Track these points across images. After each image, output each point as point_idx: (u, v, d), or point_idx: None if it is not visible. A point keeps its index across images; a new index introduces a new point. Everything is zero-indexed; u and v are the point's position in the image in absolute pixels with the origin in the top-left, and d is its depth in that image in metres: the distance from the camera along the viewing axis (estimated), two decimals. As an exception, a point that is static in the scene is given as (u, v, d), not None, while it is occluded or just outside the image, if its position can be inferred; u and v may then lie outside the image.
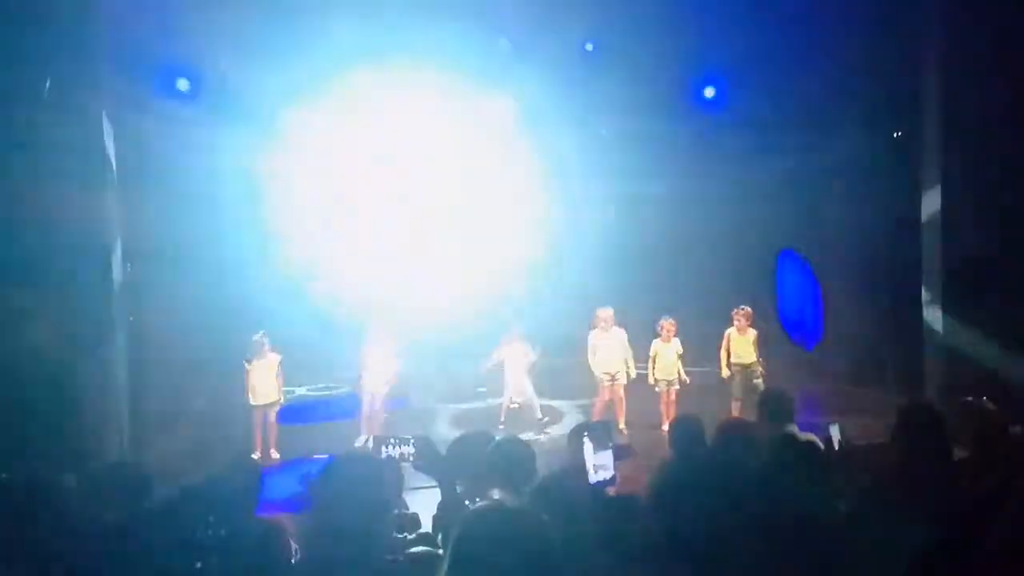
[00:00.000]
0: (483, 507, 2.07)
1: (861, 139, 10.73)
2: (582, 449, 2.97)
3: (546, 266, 13.16)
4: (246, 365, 8.67)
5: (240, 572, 2.62)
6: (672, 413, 8.82)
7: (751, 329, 9.07)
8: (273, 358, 8.72)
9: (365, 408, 9.17)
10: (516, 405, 9.64)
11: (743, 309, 9.14)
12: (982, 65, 8.50)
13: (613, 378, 9.17)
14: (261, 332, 8.75)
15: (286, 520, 3.29)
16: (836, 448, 3.59)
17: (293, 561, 2.56)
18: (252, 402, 8.66)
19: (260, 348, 8.63)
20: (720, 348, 9.13)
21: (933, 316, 9.40)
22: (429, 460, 2.97)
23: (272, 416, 8.75)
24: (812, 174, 11.47)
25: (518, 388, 9.52)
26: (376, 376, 9.14)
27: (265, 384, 8.63)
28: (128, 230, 8.25)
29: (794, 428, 4.01)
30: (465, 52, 11.55)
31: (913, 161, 9.61)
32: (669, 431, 4.14)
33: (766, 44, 11.09)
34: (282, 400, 8.87)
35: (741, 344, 9.02)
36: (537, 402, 9.61)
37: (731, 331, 9.09)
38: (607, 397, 9.23)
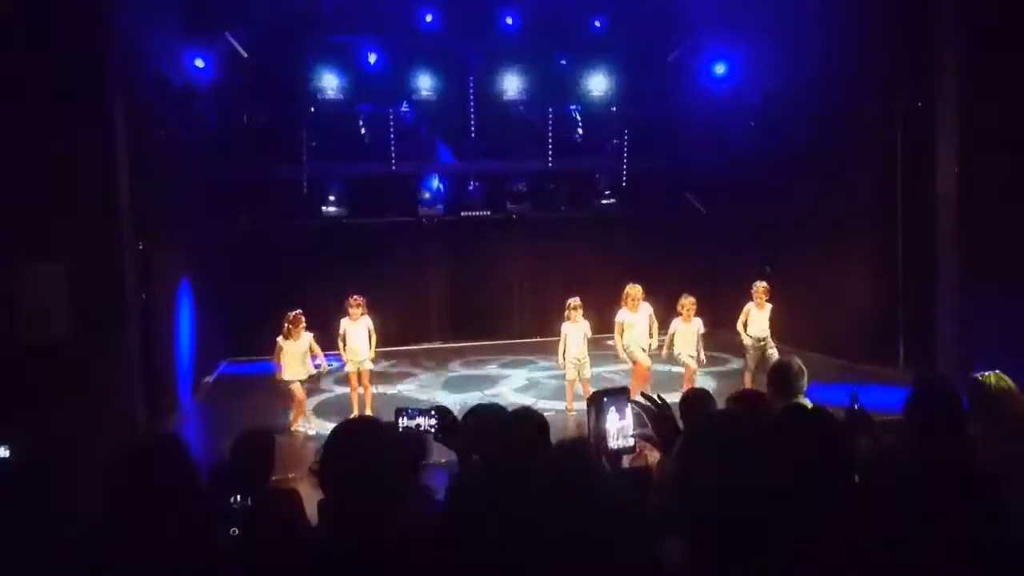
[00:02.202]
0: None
1: (878, 110, 10.60)
2: (604, 415, 2.92)
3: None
4: (280, 342, 8.70)
5: (260, 540, 2.65)
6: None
7: (768, 304, 9.20)
8: (306, 336, 8.78)
9: (353, 382, 9.15)
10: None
11: (761, 284, 9.28)
12: (1000, 37, 8.40)
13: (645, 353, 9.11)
14: (298, 311, 8.76)
15: (303, 487, 3.31)
16: (852, 418, 3.58)
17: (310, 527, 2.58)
18: (285, 377, 8.73)
19: (297, 326, 8.67)
20: (738, 321, 9.32)
21: (947, 291, 9.38)
22: (450, 431, 2.94)
23: (302, 391, 8.83)
24: (828, 147, 11.35)
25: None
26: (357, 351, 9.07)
27: (298, 362, 8.72)
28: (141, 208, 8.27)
29: (805, 400, 4.01)
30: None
31: (931, 133, 9.52)
32: (679, 403, 4.14)
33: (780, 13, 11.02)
34: (307, 376, 8.89)
35: (759, 318, 9.15)
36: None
37: (751, 305, 9.26)
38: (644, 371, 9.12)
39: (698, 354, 9.19)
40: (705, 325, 9.37)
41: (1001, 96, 8.51)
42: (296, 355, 8.70)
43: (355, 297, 9.11)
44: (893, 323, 10.64)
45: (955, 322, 9.25)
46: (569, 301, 9.23)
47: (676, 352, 9.22)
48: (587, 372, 9.17)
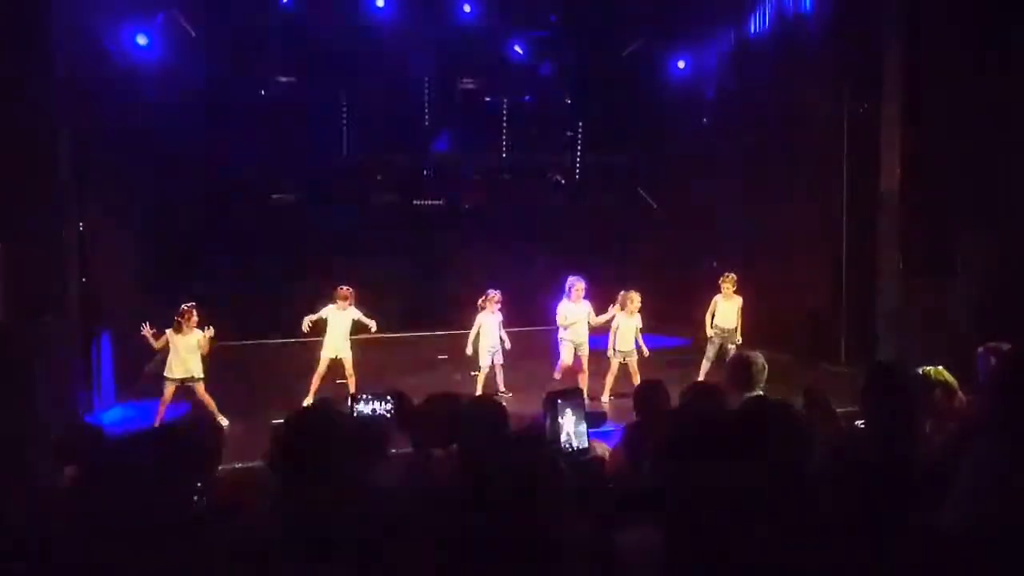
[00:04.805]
0: None
1: (825, 110, 10.81)
2: (558, 416, 2.93)
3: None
4: (169, 335, 8.01)
5: (210, 530, 2.60)
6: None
7: (736, 296, 9.24)
8: (196, 334, 8.08)
9: (321, 368, 8.92)
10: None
11: (730, 275, 9.31)
12: (945, 37, 8.64)
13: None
14: (191, 304, 8.16)
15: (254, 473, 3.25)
16: (811, 396, 3.67)
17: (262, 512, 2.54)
18: (170, 375, 7.99)
19: (188, 322, 8.03)
20: (707, 312, 9.35)
21: (886, 289, 9.65)
22: (407, 418, 2.93)
23: (196, 390, 8.08)
24: (777, 145, 11.54)
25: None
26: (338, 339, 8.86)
27: (179, 359, 7.99)
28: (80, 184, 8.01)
29: (762, 392, 4.08)
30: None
31: (875, 134, 9.75)
32: (633, 396, 4.15)
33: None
34: (202, 375, 8.10)
35: (726, 309, 9.21)
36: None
37: (718, 297, 9.29)
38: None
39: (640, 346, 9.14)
40: (652, 320, 9.35)
41: (943, 97, 8.76)
42: (179, 352, 7.99)
43: (344, 287, 8.94)
44: (837, 318, 10.89)
45: (894, 318, 9.52)
46: (489, 292, 9.28)
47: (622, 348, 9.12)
48: (500, 358, 9.22)
